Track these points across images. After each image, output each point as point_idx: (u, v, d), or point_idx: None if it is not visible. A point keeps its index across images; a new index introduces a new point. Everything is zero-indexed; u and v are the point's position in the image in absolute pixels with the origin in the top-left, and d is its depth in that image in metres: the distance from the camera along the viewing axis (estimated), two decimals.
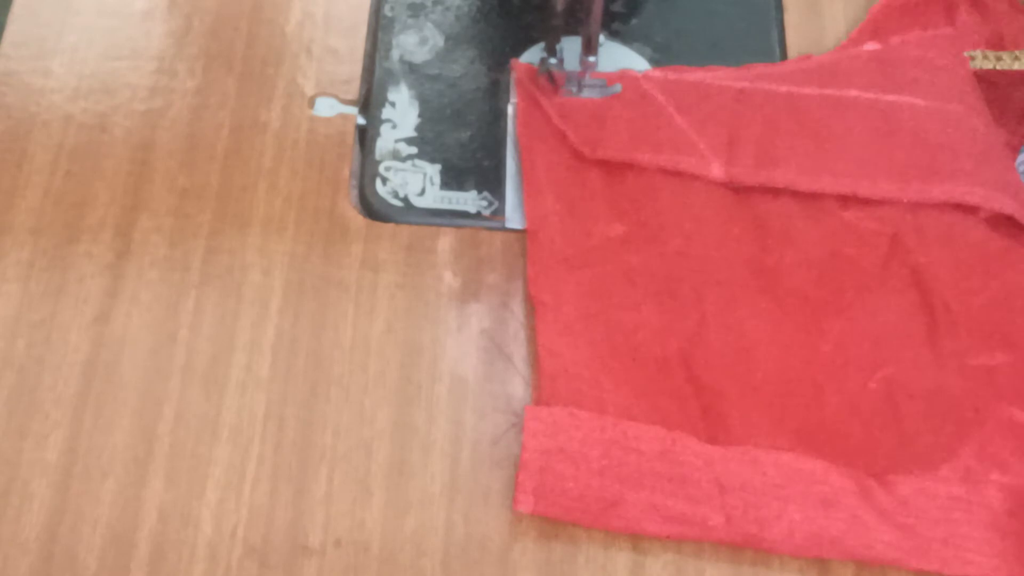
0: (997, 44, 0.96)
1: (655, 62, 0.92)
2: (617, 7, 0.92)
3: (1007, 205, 0.83)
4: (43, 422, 0.77)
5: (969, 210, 0.85)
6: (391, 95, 0.89)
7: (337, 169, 0.86)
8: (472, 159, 0.87)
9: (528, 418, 0.74)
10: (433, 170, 0.86)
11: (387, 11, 0.93)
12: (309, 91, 0.89)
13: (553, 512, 0.72)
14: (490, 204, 0.85)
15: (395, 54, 0.91)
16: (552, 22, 0.85)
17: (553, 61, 0.87)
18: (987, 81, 0.95)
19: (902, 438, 0.77)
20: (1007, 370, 0.79)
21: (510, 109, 0.89)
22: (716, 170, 0.86)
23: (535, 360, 0.79)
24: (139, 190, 0.84)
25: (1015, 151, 0.95)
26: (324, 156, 0.86)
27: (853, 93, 0.89)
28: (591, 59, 0.88)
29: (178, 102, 0.89)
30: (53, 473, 0.75)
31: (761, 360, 0.80)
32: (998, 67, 0.95)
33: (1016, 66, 0.95)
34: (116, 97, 0.88)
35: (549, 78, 0.87)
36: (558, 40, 0.87)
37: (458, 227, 0.84)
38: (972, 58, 0.95)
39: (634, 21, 0.94)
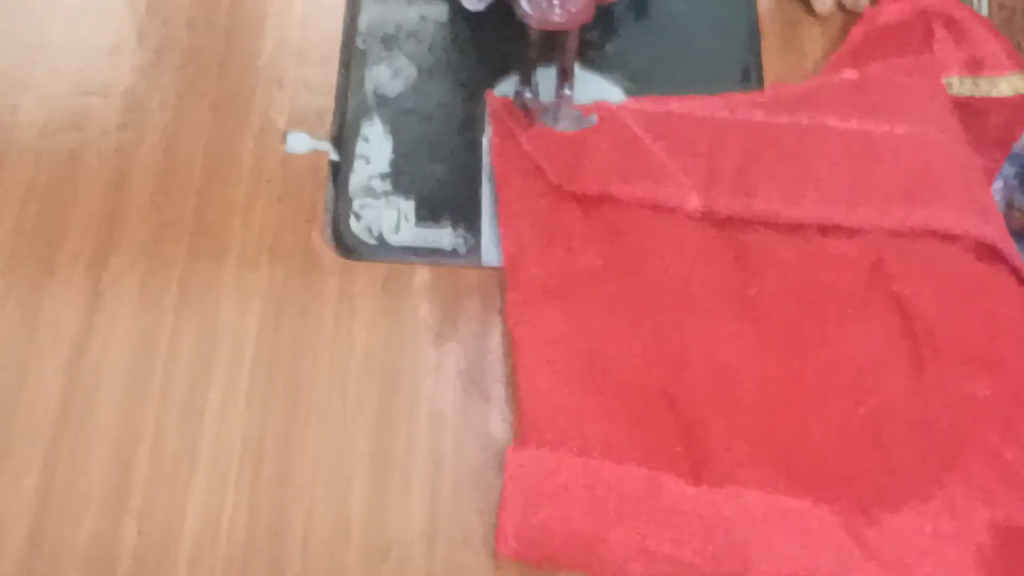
0: (975, 69, 0.96)
1: (631, 91, 0.91)
2: (592, 36, 0.91)
3: (986, 233, 0.83)
4: (17, 461, 0.75)
5: (950, 237, 0.84)
6: (364, 129, 0.88)
7: (311, 205, 0.85)
8: (447, 194, 0.86)
9: (509, 461, 0.73)
10: (408, 206, 0.85)
11: (359, 43, 0.92)
12: (281, 125, 0.88)
13: (536, 556, 0.71)
14: (466, 241, 0.84)
15: (368, 87, 0.90)
16: (527, 53, 0.84)
17: (528, 93, 0.86)
18: (964, 106, 0.94)
19: (887, 469, 0.76)
20: (991, 399, 0.78)
21: (485, 141, 0.88)
22: (694, 201, 0.85)
23: (515, 395, 0.77)
24: (112, 225, 0.83)
25: (992, 176, 0.94)
26: (298, 191, 0.85)
27: (831, 121, 0.88)
28: (567, 91, 0.86)
29: (150, 137, 0.87)
30: (27, 515, 0.74)
31: (743, 391, 0.79)
32: (975, 93, 0.95)
33: (993, 92, 0.95)
34: (87, 132, 0.87)
35: (524, 110, 0.86)
36: (533, 71, 0.86)
37: (434, 264, 0.82)
38: (950, 84, 0.94)
39: (609, 50, 0.93)
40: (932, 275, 0.83)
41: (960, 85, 0.95)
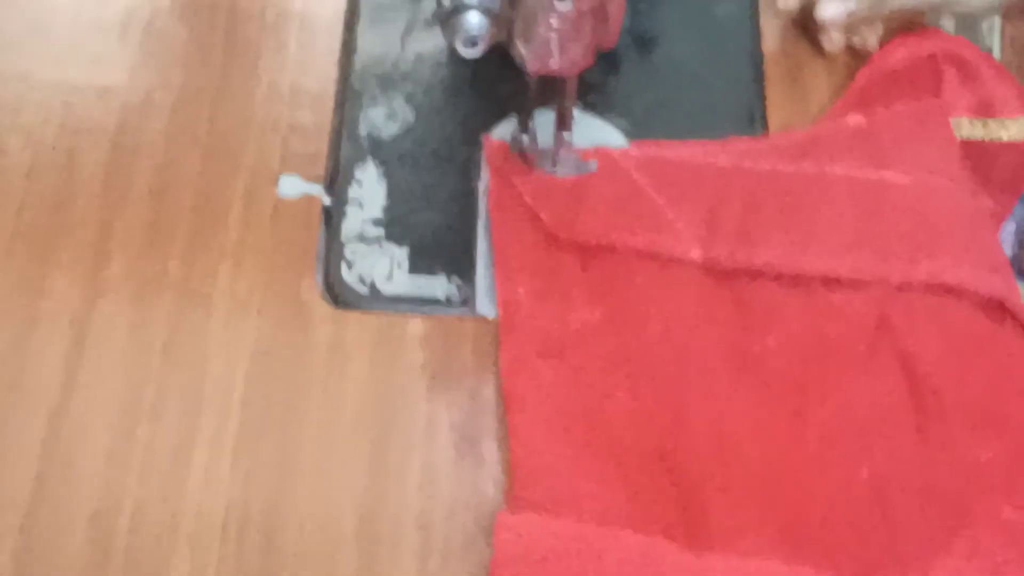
0: (984, 111, 0.94)
1: (632, 135, 0.89)
2: (593, 77, 0.88)
3: (994, 288, 0.81)
4: None
5: (957, 291, 0.82)
6: (358, 173, 0.86)
7: (302, 251, 0.83)
8: (442, 241, 0.84)
9: (499, 526, 0.71)
10: (401, 253, 0.83)
11: (355, 84, 0.90)
12: (274, 168, 0.86)
13: None
14: (460, 290, 0.82)
15: (362, 129, 0.88)
16: (525, 98, 0.82)
17: (526, 138, 0.84)
18: (973, 148, 0.92)
19: (891, 536, 0.75)
20: (997, 463, 0.76)
21: (481, 186, 0.85)
22: (695, 252, 0.83)
23: (508, 456, 0.76)
24: (97, 274, 0.81)
25: (1001, 219, 0.92)
26: (289, 238, 0.84)
27: (837, 169, 0.86)
28: (565, 135, 0.84)
29: (138, 179, 0.85)
30: None
31: (743, 453, 0.77)
32: (985, 136, 0.93)
33: (1003, 134, 0.93)
34: (74, 175, 0.85)
35: (522, 156, 0.84)
36: (531, 116, 0.84)
37: (427, 315, 0.80)
38: (959, 126, 0.92)
39: (610, 92, 0.91)
40: (938, 331, 0.81)
41: (969, 127, 0.93)
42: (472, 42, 0.75)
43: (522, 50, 0.78)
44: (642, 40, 0.94)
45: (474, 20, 0.75)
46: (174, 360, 0.78)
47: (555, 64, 0.78)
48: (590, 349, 0.79)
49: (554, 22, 0.75)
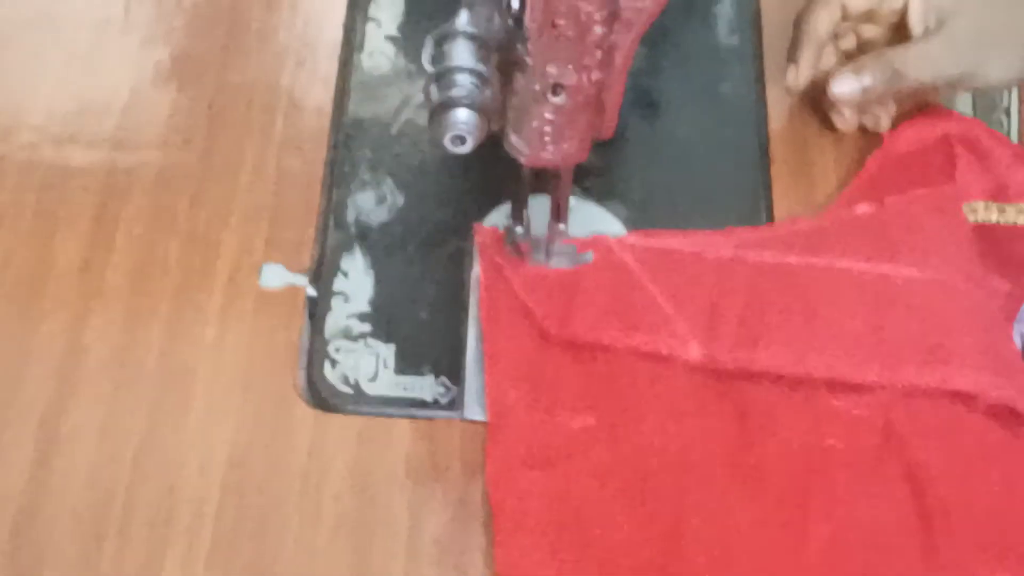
0: (1000, 196, 0.91)
1: (631, 223, 0.85)
2: (590, 160, 0.84)
3: (1005, 395, 0.78)
4: None
5: (968, 397, 0.79)
6: (344, 263, 0.82)
7: (284, 347, 0.80)
8: (430, 337, 0.81)
9: None
10: (387, 351, 0.80)
11: (344, 166, 0.86)
12: (257, 257, 0.82)
13: None
14: (448, 390, 0.78)
15: (350, 214, 0.85)
16: (518, 188, 0.78)
17: (520, 230, 0.80)
18: (988, 231, 0.88)
19: None
20: None
21: (472, 278, 0.82)
22: (694, 351, 0.79)
23: (492, 571, 0.72)
24: (67, 378, 0.77)
25: (1017, 302, 0.88)
26: (271, 331, 0.80)
27: (844, 263, 0.83)
28: (560, 227, 0.80)
29: (115, 266, 0.82)
30: None
31: (742, 571, 0.73)
32: (1001, 220, 0.90)
33: (1020, 220, 0.89)
34: (48, 260, 0.82)
35: (515, 249, 0.80)
36: (525, 206, 0.80)
37: (413, 418, 0.77)
38: (974, 210, 0.89)
39: (609, 176, 0.87)
40: (948, 441, 0.78)
41: (985, 212, 0.90)
42: (460, 140, 0.71)
43: (515, 142, 0.74)
44: (642, 120, 0.90)
45: (462, 117, 0.71)
46: (144, 468, 0.74)
47: (549, 156, 0.74)
48: (582, 459, 0.76)
49: (548, 114, 0.71)
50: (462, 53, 0.69)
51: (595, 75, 0.69)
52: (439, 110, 0.71)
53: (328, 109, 0.89)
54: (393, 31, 0.93)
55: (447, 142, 0.72)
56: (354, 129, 0.89)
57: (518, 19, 0.67)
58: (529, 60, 0.68)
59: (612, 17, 0.67)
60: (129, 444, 0.76)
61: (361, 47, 0.92)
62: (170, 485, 0.75)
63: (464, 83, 0.69)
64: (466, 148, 0.73)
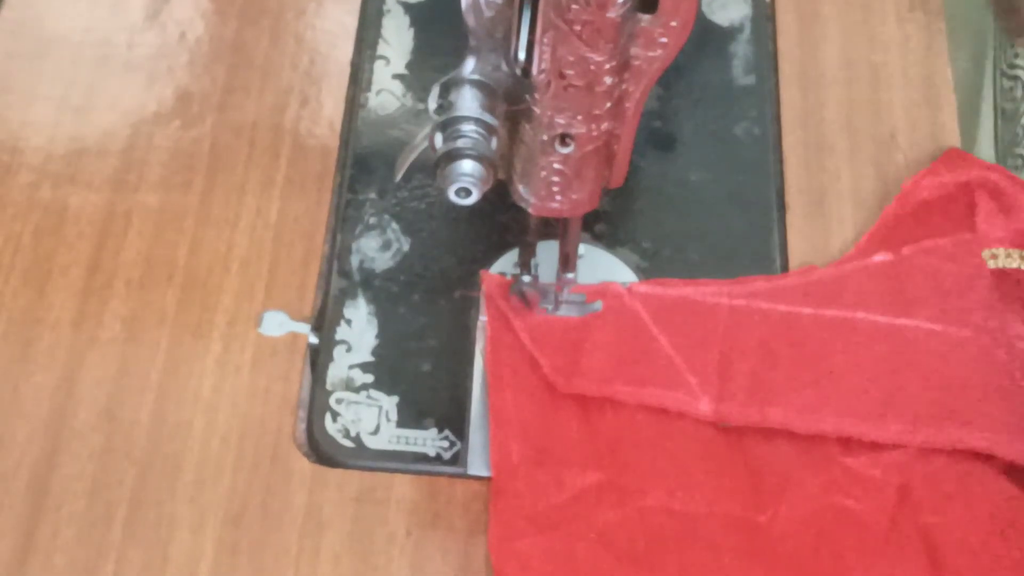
0: (1021, 243, 0.87)
1: (642, 271, 0.83)
2: (602, 205, 0.81)
3: (1022, 455, 0.75)
4: None
5: (986, 458, 0.76)
6: (347, 311, 0.80)
7: (284, 400, 0.77)
8: (434, 390, 0.79)
9: None
10: (390, 403, 0.77)
11: (349, 209, 0.83)
12: (257, 305, 0.79)
13: None
14: (451, 445, 0.76)
15: (354, 260, 0.82)
16: (525, 239, 0.75)
17: (527, 278, 0.77)
18: (1009, 276, 0.86)
19: None
20: None
21: (478, 327, 0.79)
22: (705, 406, 0.77)
23: None
24: (59, 432, 0.75)
25: None
26: (270, 384, 0.78)
27: (860, 315, 0.80)
28: (569, 275, 0.78)
29: (111, 314, 0.80)
30: None
31: None
32: (1022, 266, 0.86)
33: None
34: (42, 308, 0.80)
35: (522, 298, 0.78)
36: (533, 254, 0.77)
37: (414, 474, 0.74)
38: (995, 256, 0.86)
39: (620, 222, 0.84)
40: (964, 503, 0.75)
41: (1006, 258, 0.87)
42: (466, 192, 0.68)
43: (522, 192, 0.71)
44: (655, 163, 0.87)
45: (467, 168, 0.68)
46: (136, 530, 0.72)
47: (557, 206, 0.71)
48: (586, 521, 0.74)
49: (556, 164, 0.69)
50: (468, 102, 0.67)
51: (605, 125, 0.67)
52: (444, 160, 0.69)
53: (333, 149, 0.87)
54: (401, 69, 0.91)
55: (452, 194, 0.69)
56: (359, 171, 0.86)
57: (525, 70, 0.64)
58: (537, 110, 0.65)
59: (622, 67, 0.64)
60: (121, 499, 0.74)
61: (368, 85, 0.90)
62: (163, 543, 0.72)
63: (470, 133, 0.66)
64: (471, 200, 0.71)
